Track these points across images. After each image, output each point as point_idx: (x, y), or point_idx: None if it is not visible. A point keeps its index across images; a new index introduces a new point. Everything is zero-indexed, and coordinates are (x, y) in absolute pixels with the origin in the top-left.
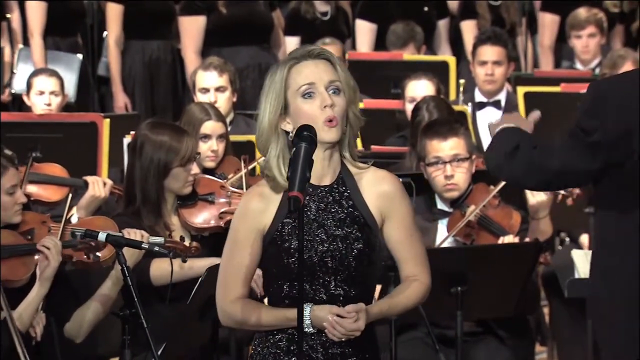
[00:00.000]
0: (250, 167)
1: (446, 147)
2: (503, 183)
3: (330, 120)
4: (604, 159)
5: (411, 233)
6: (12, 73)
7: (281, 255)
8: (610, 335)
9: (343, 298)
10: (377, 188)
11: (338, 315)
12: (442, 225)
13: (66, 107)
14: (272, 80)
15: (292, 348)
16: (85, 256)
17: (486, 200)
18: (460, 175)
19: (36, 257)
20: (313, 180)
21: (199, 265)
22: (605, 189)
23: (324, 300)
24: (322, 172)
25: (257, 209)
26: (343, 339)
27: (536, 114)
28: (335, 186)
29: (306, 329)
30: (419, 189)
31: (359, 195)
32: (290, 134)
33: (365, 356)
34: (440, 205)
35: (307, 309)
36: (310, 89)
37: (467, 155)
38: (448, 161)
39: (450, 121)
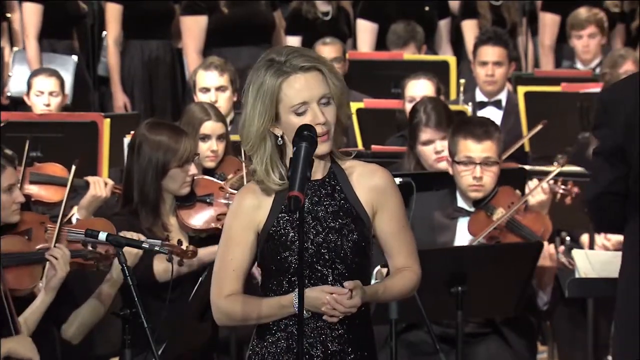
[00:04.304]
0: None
1: (479, 149)
2: (533, 188)
3: (322, 136)
4: (621, 165)
5: (402, 225)
6: (8, 76)
7: (279, 249)
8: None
9: None
10: (368, 181)
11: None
12: (462, 224)
13: (63, 109)
14: (260, 89)
15: (292, 347)
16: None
17: (517, 206)
18: (488, 178)
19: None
20: None
21: (202, 254)
22: (631, 194)
23: None
24: (314, 168)
25: (251, 206)
26: (341, 317)
27: None
28: (327, 180)
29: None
30: (439, 185)
31: (351, 188)
32: (279, 138)
33: (364, 354)
34: (461, 203)
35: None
36: (303, 107)
37: (497, 159)
38: (479, 163)
39: (487, 123)
